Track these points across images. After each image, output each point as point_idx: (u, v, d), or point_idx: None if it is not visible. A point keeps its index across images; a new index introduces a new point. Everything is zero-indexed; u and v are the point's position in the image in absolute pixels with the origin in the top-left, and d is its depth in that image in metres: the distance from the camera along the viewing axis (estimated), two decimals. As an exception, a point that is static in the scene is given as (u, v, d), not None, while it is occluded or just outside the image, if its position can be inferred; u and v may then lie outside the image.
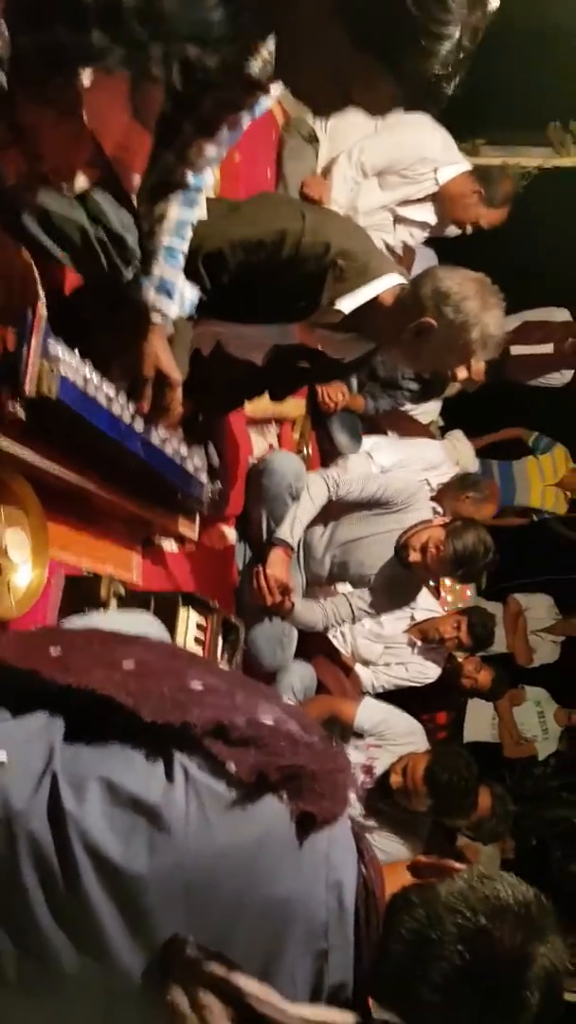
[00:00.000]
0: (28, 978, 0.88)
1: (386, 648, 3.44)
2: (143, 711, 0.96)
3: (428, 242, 3.68)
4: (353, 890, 0.96)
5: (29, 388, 1.37)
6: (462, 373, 1.98)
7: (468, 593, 4.38)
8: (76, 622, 1.49)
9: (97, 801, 0.91)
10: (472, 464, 4.58)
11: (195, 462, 2.04)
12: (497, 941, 0.91)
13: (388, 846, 2.75)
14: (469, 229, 3.32)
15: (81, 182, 1.46)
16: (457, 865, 1.02)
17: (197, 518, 2.21)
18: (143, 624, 1.55)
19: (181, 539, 2.23)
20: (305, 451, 3.64)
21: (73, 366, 1.51)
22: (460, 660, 3.72)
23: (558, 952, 0.92)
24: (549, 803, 5.52)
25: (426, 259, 4.00)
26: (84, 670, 1.02)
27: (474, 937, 0.91)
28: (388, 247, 3.23)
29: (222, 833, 0.91)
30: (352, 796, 1.01)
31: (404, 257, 3.65)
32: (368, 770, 2.81)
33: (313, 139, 3.14)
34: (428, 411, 4.44)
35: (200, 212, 1.55)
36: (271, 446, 3.26)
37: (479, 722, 4.72)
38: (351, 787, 1.01)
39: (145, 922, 0.88)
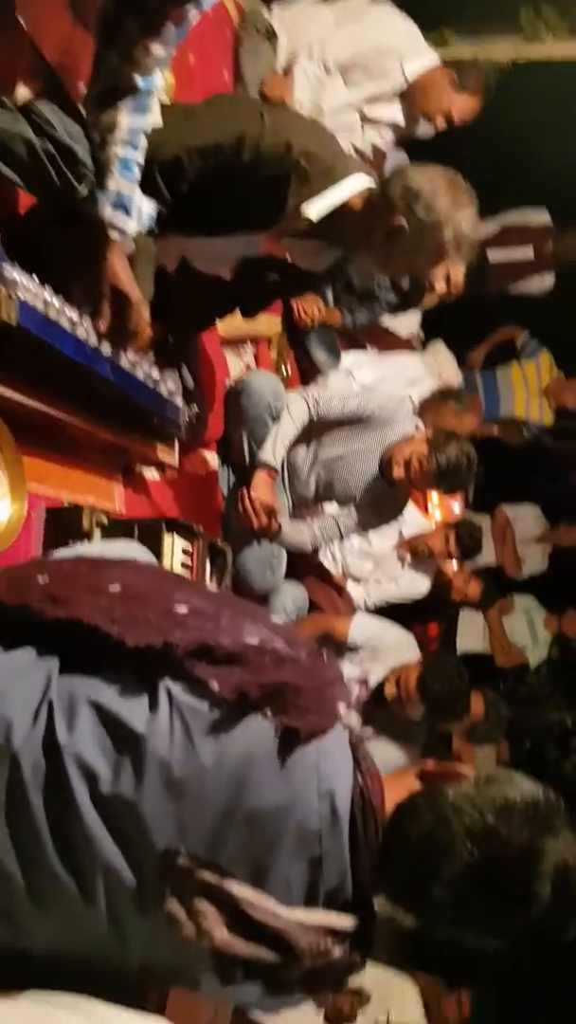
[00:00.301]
0: (38, 894, 0.92)
1: (376, 565, 3.47)
2: (127, 639, 0.97)
3: (399, 144, 3.54)
4: (347, 798, 0.97)
5: (-13, 315, 1.33)
6: (440, 283, 1.93)
7: (455, 507, 4.38)
8: (64, 552, 1.48)
9: (87, 726, 0.93)
10: (455, 376, 4.53)
11: (168, 385, 2.00)
12: (505, 838, 0.93)
13: (386, 753, 2.82)
14: (441, 123, 3.16)
15: (23, 93, 1.39)
16: (464, 769, 1.04)
17: (176, 444, 2.18)
18: (130, 551, 1.54)
19: (161, 466, 2.20)
20: (284, 370, 3.58)
21: (32, 290, 1.46)
22: (449, 575, 3.74)
23: (571, 848, 0.94)
24: (543, 708, 5.68)
25: (398, 162, 3.87)
26: (71, 599, 1.02)
27: (482, 835, 0.93)
28: (357, 151, 3.10)
29: (207, 753, 0.92)
30: (344, 708, 1.01)
31: (374, 161, 3.52)
32: (363, 683, 2.86)
33: (271, 35, 2.97)
34: (407, 323, 4.36)
35: (153, 119, 1.47)
36: (248, 366, 3.21)
37: (470, 633, 4.79)
38: (342, 699, 1.02)
39: (138, 839, 0.91)
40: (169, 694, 0.95)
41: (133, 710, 0.94)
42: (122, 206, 1.49)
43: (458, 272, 3.46)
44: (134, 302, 1.58)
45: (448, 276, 3.44)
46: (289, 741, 0.94)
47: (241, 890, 0.90)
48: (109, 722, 0.93)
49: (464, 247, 1.85)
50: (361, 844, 0.97)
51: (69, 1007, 0.88)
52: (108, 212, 1.49)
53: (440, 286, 3.58)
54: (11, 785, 0.91)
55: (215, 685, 0.94)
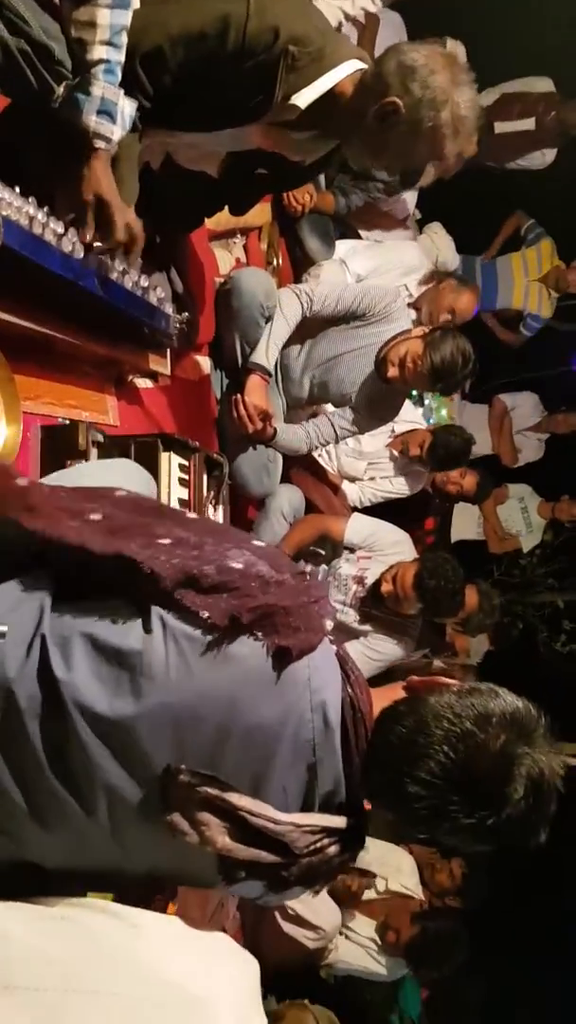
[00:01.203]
0: (43, 816, 0.96)
1: (370, 464, 3.46)
2: (111, 550, 0.98)
3: (393, 6, 3.28)
4: (338, 708, 1.01)
5: (-33, 236, 1.27)
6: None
7: (454, 398, 4.34)
8: (55, 477, 1.47)
9: (83, 658, 0.95)
10: (452, 260, 4.38)
11: (158, 293, 1.94)
12: (481, 742, 0.97)
13: (383, 646, 2.92)
14: None
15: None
16: (448, 681, 1.08)
17: (168, 352, 2.14)
18: (126, 471, 1.53)
19: (154, 375, 2.16)
20: (275, 262, 3.45)
21: (15, 205, 1.39)
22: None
23: (548, 758, 0.99)
24: (535, 590, 5.83)
25: (392, 25, 3.61)
26: (50, 515, 1.02)
27: (459, 739, 0.98)
28: (348, 17, 2.88)
29: (202, 674, 0.95)
30: (330, 624, 1.04)
31: (367, 25, 3.28)
32: (360, 580, 2.91)
33: None
34: (403, 202, 4.17)
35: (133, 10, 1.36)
36: (238, 260, 3.09)
37: (465, 522, 4.85)
38: (327, 616, 1.04)
39: (140, 760, 0.95)
40: (162, 620, 0.97)
41: (127, 634, 0.96)
42: (106, 112, 1.40)
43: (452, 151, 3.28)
44: (116, 211, 1.51)
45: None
46: (281, 659, 0.98)
47: (241, 800, 0.95)
48: (104, 649, 0.95)
49: (462, 132, 1.73)
50: (353, 750, 1.02)
51: (95, 909, 0.94)
52: (93, 120, 1.40)
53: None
54: (6, 714, 0.94)
55: (206, 614, 0.96)
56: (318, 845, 1.00)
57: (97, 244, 1.61)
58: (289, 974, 2.59)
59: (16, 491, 1.04)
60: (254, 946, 1.95)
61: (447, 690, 1.04)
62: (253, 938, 2.53)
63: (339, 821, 1.02)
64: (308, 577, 1.07)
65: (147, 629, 0.97)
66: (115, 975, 0.85)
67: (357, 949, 3.05)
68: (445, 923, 3.12)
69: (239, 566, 1.01)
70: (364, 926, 3.07)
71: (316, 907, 2.47)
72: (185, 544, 1.03)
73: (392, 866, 3.15)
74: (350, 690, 1.03)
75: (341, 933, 2.94)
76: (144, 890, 1.09)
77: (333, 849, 1.02)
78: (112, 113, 1.41)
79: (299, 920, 2.39)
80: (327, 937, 2.67)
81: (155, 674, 0.94)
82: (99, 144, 1.44)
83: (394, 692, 1.09)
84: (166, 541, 1.02)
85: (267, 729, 0.97)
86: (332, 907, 2.65)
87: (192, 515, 1.28)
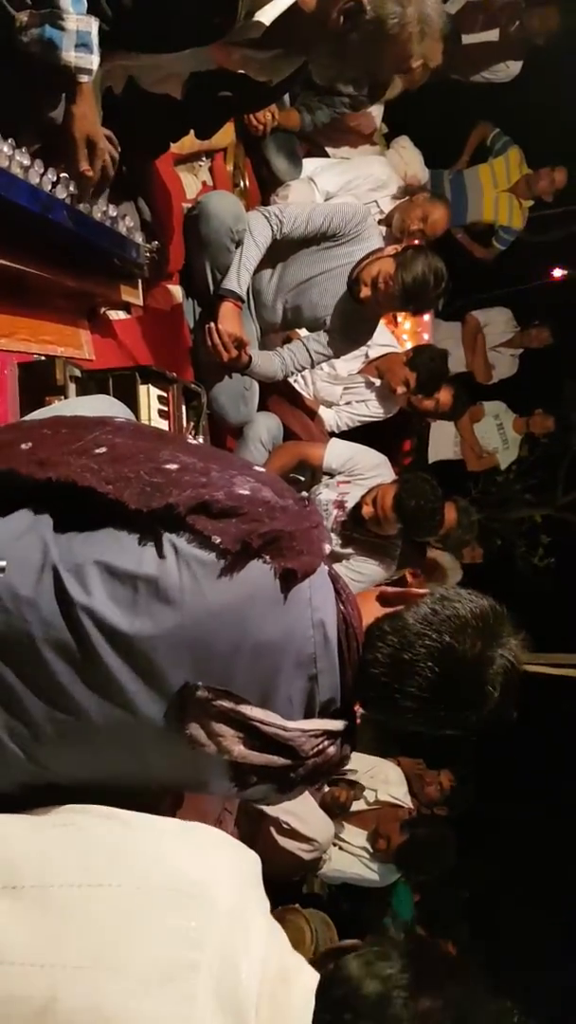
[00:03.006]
0: (65, 733, 1.02)
1: (345, 388, 3.47)
2: (127, 499, 1.02)
3: None
4: (335, 624, 1.09)
5: None
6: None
7: (425, 317, 4.31)
8: (38, 414, 1.48)
9: (98, 583, 0.99)
10: (422, 174, 4.29)
11: (127, 222, 1.91)
12: (460, 653, 1.07)
13: (365, 568, 2.99)
14: None
15: None
16: (420, 591, 1.16)
17: (140, 283, 2.12)
18: (105, 407, 1.54)
19: (127, 307, 2.14)
20: (242, 183, 3.38)
21: (-23, 138, 1.37)
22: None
23: (513, 650, 1.09)
24: (513, 506, 5.93)
25: None
26: (59, 462, 1.06)
27: (441, 653, 1.07)
28: None
29: (214, 596, 1.01)
30: (327, 547, 1.10)
31: None
32: (340, 505, 2.96)
33: None
34: (370, 117, 4.06)
35: None
36: (204, 184, 3.02)
37: (441, 442, 4.88)
38: (325, 540, 1.11)
39: (158, 676, 1.00)
40: (174, 546, 1.01)
41: (140, 560, 1.01)
42: (83, 45, 1.38)
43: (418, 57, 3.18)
44: (103, 151, 1.53)
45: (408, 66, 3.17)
46: (287, 581, 1.04)
47: (253, 711, 1.02)
48: (119, 575, 1.00)
49: (429, 32, 1.69)
50: (346, 661, 1.10)
51: (91, 812, 0.99)
52: (73, 56, 1.39)
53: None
54: (25, 635, 0.98)
55: (217, 539, 1.01)
56: (320, 747, 1.08)
57: (63, 175, 1.59)
58: (280, 885, 2.72)
59: (23, 454, 1.07)
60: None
61: (421, 602, 1.12)
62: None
63: (338, 725, 1.10)
64: (306, 503, 1.12)
65: (160, 554, 1.01)
66: (114, 868, 0.90)
67: (350, 858, 3.21)
68: (433, 830, 3.29)
69: (246, 492, 1.06)
70: (356, 836, 3.22)
71: (309, 820, 2.59)
72: (191, 470, 1.06)
73: (380, 778, 3.29)
74: (342, 607, 1.10)
75: (334, 844, 3.08)
76: (154, 803, 1.16)
77: (332, 749, 1.10)
78: (89, 44, 1.39)
79: (293, 833, 2.51)
80: (321, 848, 2.80)
81: (171, 597, 0.99)
82: (83, 78, 1.42)
83: (371, 604, 1.16)
84: (173, 467, 1.06)
85: (274, 645, 1.03)
86: (324, 819, 2.77)
87: (193, 439, 1.31)
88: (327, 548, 1.10)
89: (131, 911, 0.87)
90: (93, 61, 1.44)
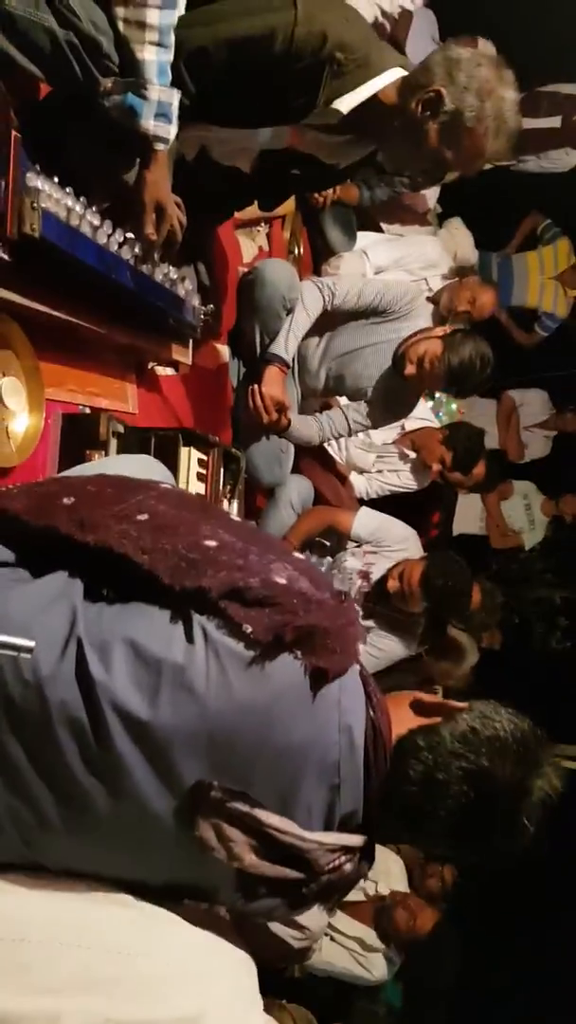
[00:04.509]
0: (69, 823, 0.96)
1: (378, 457, 3.48)
2: (161, 573, 0.98)
3: (427, 4, 3.26)
4: (362, 731, 1.02)
5: (11, 229, 1.28)
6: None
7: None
8: (82, 469, 1.48)
9: (122, 663, 0.94)
10: (471, 255, 4.37)
11: (186, 285, 1.95)
12: (499, 779, 1.00)
13: (385, 644, 2.94)
14: None
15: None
16: (459, 705, 1.10)
17: (190, 342, 2.15)
18: (148, 469, 1.54)
19: (175, 364, 2.17)
20: (296, 250, 3.46)
21: (55, 197, 1.40)
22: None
23: (551, 780, 1.03)
24: (533, 585, 5.85)
25: (427, 21, 3.58)
26: (100, 524, 1.02)
27: (477, 777, 1.00)
28: (385, 14, 2.86)
29: (241, 690, 0.95)
30: (361, 648, 1.06)
31: (400, 21, 3.26)
32: (365, 575, 2.93)
33: None
34: (424, 197, 4.15)
35: (180, 10, 1.36)
36: (261, 248, 3.09)
37: (467, 515, 4.86)
38: (360, 638, 1.06)
39: (172, 771, 0.94)
40: (204, 631, 0.97)
41: (170, 642, 0.96)
42: (163, 115, 1.43)
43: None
44: (171, 216, 1.58)
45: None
46: (317, 680, 0.98)
47: (269, 817, 0.96)
48: (145, 657, 0.95)
49: (503, 131, 1.73)
50: (372, 771, 1.03)
51: (121, 903, 0.96)
52: (152, 125, 1.43)
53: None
54: (39, 716, 0.93)
55: (249, 628, 0.96)
56: (337, 863, 1.02)
57: (129, 236, 1.62)
58: (263, 970, 2.60)
59: (64, 510, 1.04)
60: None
61: (460, 717, 1.07)
62: (237, 936, 2.54)
63: (357, 840, 1.03)
64: (343, 598, 1.07)
65: (189, 639, 0.96)
66: (122, 938, 0.88)
67: (340, 950, 3.06)
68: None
69: (283, 581, 1.00)
70: (349, 926, 3.09)
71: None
72: (230, 549, 1.02)
73: (381, 869, 3.18)
74: (372, 713, 1.04)
75: (326, 934, 2.97)
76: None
77: (349, 866, 1.03)
78: (168, 115, 1.44)
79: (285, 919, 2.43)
80: (312, 938, 2.69)
81: (195, 687, 0.94)
82: (159, 146, 1.47)
83: (403, 711, 1.10)
84: (212, 543, 1.02)
85: (298, 748, 0.97)
86: (319, 908, 2.66)
87: (235, 516, 1.28)
88: (361, 648, 1.07)
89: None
90: (171, 131, 1.49)
